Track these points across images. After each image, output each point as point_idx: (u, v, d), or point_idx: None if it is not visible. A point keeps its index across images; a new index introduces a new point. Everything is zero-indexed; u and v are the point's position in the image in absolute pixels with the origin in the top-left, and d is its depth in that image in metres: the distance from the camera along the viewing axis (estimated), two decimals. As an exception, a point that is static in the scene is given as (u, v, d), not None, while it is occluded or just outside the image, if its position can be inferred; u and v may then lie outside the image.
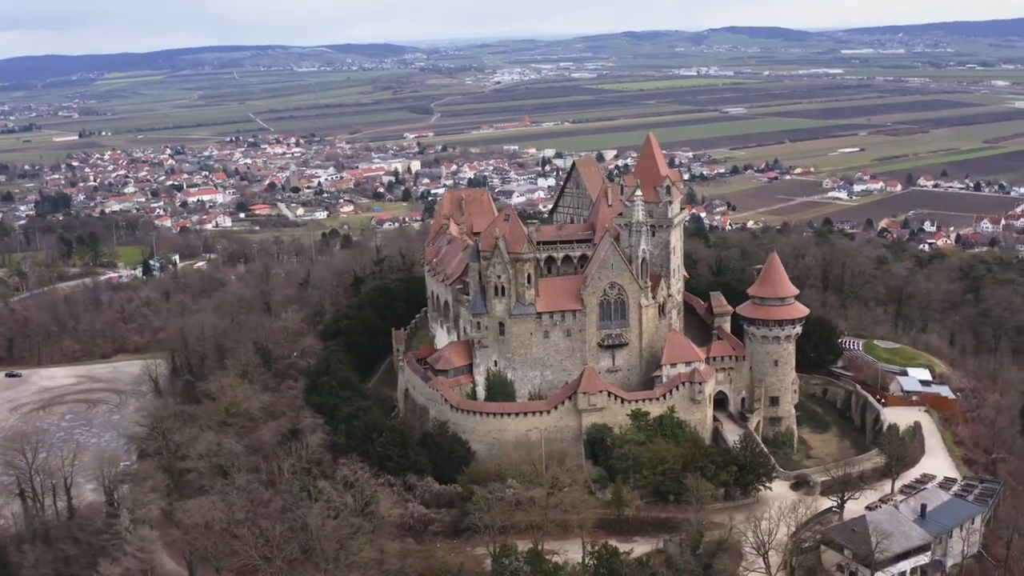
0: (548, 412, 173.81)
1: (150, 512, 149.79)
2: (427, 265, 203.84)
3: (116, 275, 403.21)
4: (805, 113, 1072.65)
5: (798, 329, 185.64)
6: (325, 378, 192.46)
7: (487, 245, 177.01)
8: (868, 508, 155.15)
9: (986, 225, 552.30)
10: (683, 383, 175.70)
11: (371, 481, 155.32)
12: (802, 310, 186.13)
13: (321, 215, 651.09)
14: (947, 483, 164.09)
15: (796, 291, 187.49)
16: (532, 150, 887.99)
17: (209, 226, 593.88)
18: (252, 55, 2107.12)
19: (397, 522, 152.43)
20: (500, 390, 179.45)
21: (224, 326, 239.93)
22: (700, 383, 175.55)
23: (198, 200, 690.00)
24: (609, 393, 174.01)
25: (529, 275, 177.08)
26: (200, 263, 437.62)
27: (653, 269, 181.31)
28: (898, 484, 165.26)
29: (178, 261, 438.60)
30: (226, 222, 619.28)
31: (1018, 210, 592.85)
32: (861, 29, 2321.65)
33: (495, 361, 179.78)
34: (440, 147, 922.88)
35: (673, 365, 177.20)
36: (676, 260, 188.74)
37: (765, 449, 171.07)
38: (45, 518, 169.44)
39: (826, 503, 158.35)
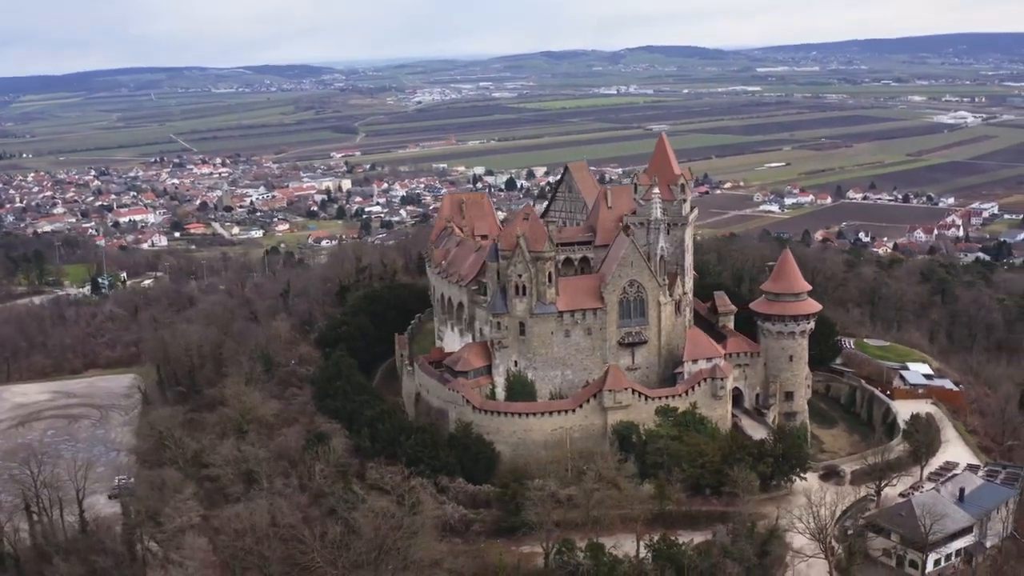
0: (573, 411, 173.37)
1: (190, 520, 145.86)
2: (436, 267, 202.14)
3: (65, 293, 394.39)
4: (728, 129, 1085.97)
5: (812, 324, 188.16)
6: (337, 383, 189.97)
7: (507, 244, 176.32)
8: (901, 495, 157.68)
9: (920, 235, 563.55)
10: (705, 379, 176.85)
11: (405, 483, 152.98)
12: (815, 305, 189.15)
13: (257, 234, 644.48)
14: (971, 469, 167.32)
15: (809, 287, 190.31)
16: (461, 168, 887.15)
17: (145, 245, 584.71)
18: (169, 77, 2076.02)
19: (438, 523, 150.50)
20: (521, 390, 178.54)
21: (214, 336, 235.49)
22: (722, 379, 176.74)
23: (129, 220, 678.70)
24: (633, 390, 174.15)
25: (550, 274, 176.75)
26: (147, 280, 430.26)
27: (669, 267, 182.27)
28: (925, 472, 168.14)
29: (125, 278, 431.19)
30: (162, 241, 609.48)
31: (948, 220, 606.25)
32: (775, 47, 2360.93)
33: (515, 361, 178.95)
34: (368, 166, 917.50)
35: (695, 361, 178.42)
36: (689, 258, 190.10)
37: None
38: (56, 531, 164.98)
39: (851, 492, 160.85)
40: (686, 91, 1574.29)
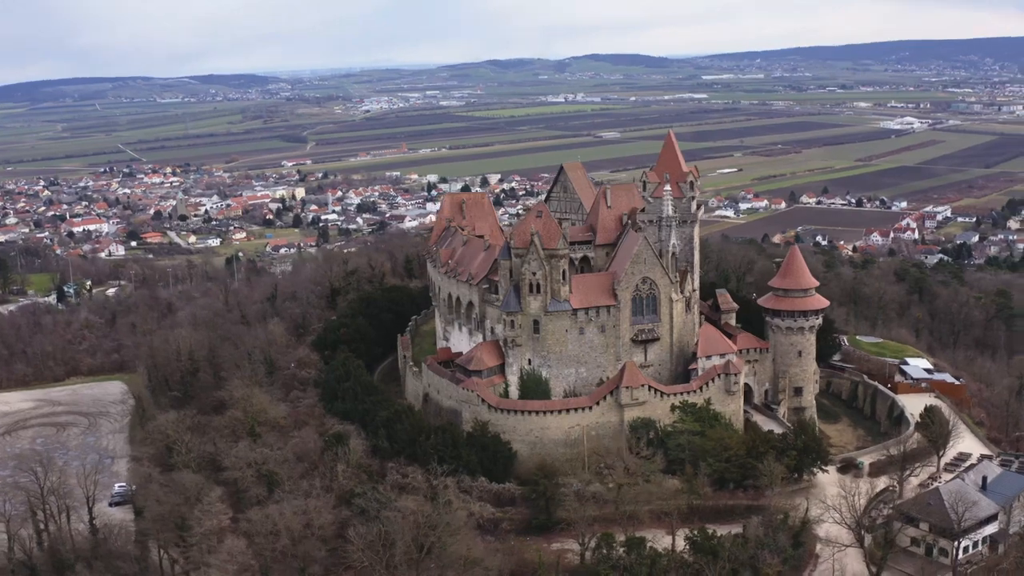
0: (590, 408, 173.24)
1: (220, 522, 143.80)
2: (442, 267, 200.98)
3: (33, 301, 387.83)
4: (678, 136, 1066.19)
5: (820, 320, 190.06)
6: (346, 385, 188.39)
7: (520, 242, 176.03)
8: (920, 486, 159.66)
9: (876, 238, 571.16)
10: (718, 375, 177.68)
11: (439, 482, 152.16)
12: (823, 301, 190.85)
13: (214, 242, 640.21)
14: (983, 460, 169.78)
15: (816, 283, 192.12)
16: (414, 176, 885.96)
17: (102, 254, 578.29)
18: (114, 87, 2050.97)
19: (472, 522, 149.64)
20: (535, 388, 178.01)
21: (208, 341, 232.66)
22: (735, 374, 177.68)
23: (84, 230, 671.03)
24: (650, 387, 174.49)
25: (564, 271, 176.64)
26: (111, 289, 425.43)
27: (679, 264, 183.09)
28: (941, 462, 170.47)
29: (91, 287, 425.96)
30: (119, 251, 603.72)
31: (903, 223, 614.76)
32: (720, 55, 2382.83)
33: (529, 360, 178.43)
34: (321, 174, 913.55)
35: (708, 357, 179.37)
36: (696, 255, 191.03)
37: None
38: (64, 539, 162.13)
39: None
40: (633, 99, 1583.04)
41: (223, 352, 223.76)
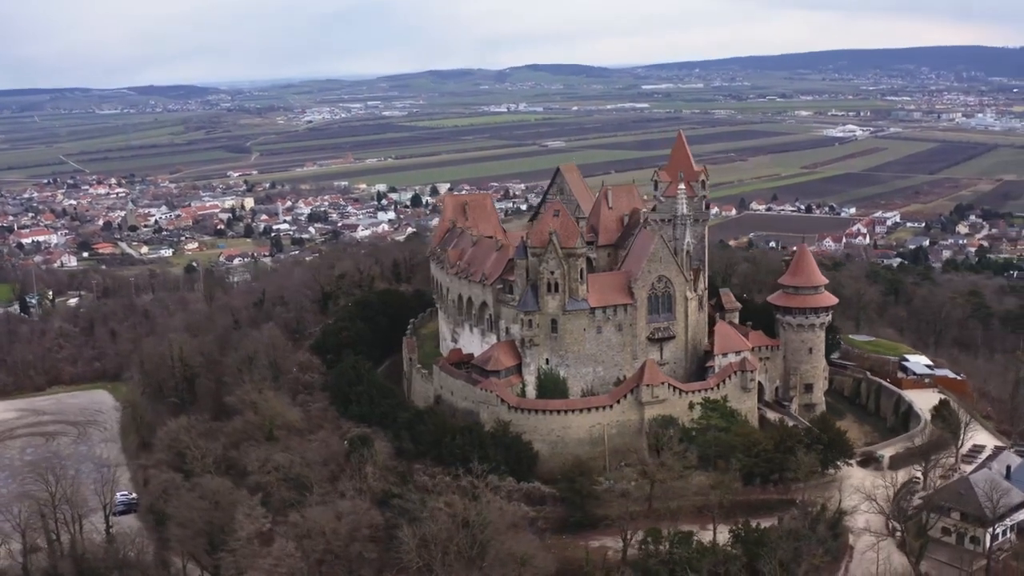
0: (611, 407, 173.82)
1: (262, 527, 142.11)
2: (451, 268, 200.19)
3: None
4: (622, 145, 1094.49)
5: (830, 317, 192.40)
6: (359, 388, 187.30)
7: (537, 241, 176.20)
8: (943, 477, 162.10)
9: (829, 243, 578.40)
10: (735, 372, 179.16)
11: (480, 481, 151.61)
12: (832, 299, 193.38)
13: (166, 253, 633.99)
14: (998, 451, 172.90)
15: (826, 280, 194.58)
16: (363, 185, 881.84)
17: (55, 265, 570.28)
18: (51, 98, 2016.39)
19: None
20: (553, 388, 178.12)
21: (202, 346, 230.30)
22: (751, 371, 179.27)
23: (33, 241, 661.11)
24: (669, 385, 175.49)
25: (582, 270, 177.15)
26: (73, 299, 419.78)
27: (692, 263, 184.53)
28: (959, 454, 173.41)
29: (53, 297, 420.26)
30: (71, 262, 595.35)
31: (854, 229, 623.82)
32: (659, 65, 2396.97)
33: (547, 359, 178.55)
34: (268, 184, 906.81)
35: (724, 355, 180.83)
36: (706, 254, 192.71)
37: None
38: (79, 548, 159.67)
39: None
40: (575, 108, 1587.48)
41: (222, 357, 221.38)
